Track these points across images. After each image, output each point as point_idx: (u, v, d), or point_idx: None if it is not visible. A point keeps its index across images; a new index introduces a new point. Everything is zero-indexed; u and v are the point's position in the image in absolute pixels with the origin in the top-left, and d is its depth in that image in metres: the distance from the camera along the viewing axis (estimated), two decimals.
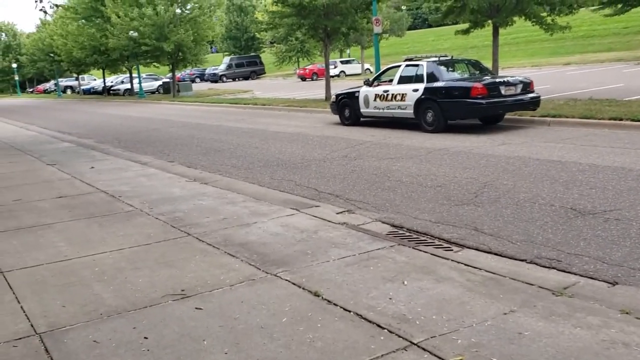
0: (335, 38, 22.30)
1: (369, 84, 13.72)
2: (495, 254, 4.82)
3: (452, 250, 4.97)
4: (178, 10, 33.52)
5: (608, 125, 11.01)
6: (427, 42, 63.28)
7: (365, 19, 20.77)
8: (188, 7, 34.20)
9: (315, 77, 50.46)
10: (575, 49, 44.33)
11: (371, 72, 49.79)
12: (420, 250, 4.78)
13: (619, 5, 31.40)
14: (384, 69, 13.93)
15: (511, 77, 12.10)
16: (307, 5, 19.09)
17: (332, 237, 5.25)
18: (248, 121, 17.68)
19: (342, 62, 50.28)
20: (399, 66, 13.15)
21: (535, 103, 11.86)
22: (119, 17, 31.49)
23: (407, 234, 5.53)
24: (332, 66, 50.32)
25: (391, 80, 13.24)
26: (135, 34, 31.80)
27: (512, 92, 11.57)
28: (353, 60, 52.44)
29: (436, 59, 12.73)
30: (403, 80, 12.74)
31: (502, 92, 11.40)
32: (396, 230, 5.69)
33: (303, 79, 50.34)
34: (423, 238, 5.35)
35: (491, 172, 7.81)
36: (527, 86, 11.85)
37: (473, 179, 7.52)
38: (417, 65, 12.57)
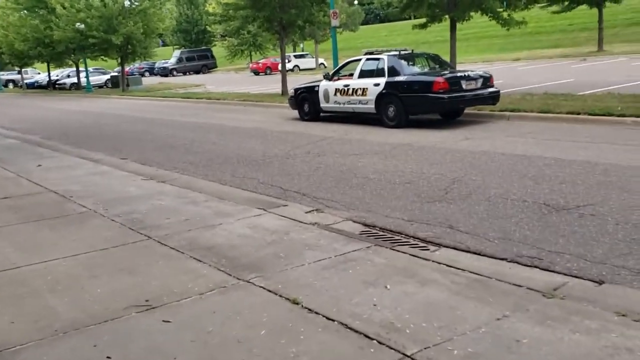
0: (291, 31, 21.98)
1: (328, 78, 13.47)
2: (474, 253, 4.65)
3: (429, 249, 4.78)
4: (127, 2, 32.41)
5: (566, 119, 11.12)
6: (380, 37, 63.53)
7: (322, 12, 20.53)
8: None
9: (268, 71, 50.00)
10: (523, 45, 45.35)
11: (325, 67, 49.69)
12: (399, 251, 4.57)
13: (566, 3, 32.48)
14: (343, 62, 13.72)
15: (471, 71, 12.09)
16: None
17: (304, 239, 4.98)
18: (203, 116, 17.17)
19: (295, 56, 49.90)
20: (360, 60, 12.96)
21: (495, 98, 11.88)
22: (64, 8, 30.17)
23: (381, 233, 5.32)
24: (286, 60, 49.95)
25: (351, 75, 13.04)
26: (82, 26, 30.55)
27: (473, 87, 11.55)
28: (307, 54, 52.17)
29: (397, 52, 12.59)
30: (364, 74, 12.55)
31: (463, 86, 11.35)
32: (369, 229, 5.47)
33: (256, 73, 49.76)
34: (398, 237, 5.14)
35: (458, 168, 7.69)
36: (487, 81, 11.86)
37: (441, 174, 7.38)
38: (378, 59, 12.40)
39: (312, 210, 6.24)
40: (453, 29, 15.80)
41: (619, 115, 10.57)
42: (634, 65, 24.30)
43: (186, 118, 16.85)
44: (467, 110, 12.50)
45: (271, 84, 32.48)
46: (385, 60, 12.13)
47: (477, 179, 7.00)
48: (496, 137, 9.92)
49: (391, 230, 5.38)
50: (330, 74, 13.62)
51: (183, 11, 70.24)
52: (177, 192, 7.16)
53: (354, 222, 5.74)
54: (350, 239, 4.95)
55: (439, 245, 4.89)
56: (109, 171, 8.93)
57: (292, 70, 46.56)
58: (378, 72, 12.19)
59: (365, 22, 69.18)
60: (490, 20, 15.56)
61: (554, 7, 31.59)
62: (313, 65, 49.19)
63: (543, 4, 19.34)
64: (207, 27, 65.35)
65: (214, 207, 6.29)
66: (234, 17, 21.46)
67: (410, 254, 4.48)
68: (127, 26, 30.49)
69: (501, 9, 15.09)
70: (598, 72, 22.55)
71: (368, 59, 12.72)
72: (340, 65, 13.70)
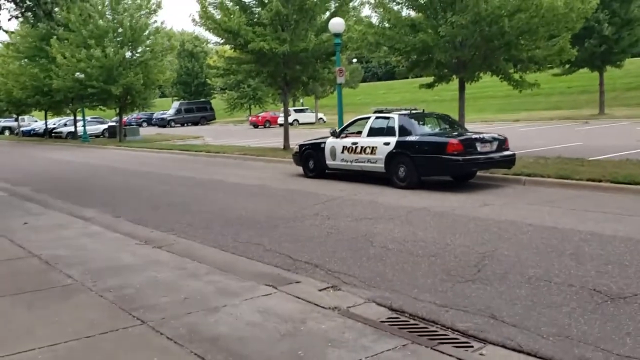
0: (294, 87, 21.71)
1: (335, 135, 12.96)
2: (529, 354, 3.93)
3: (472, 346, 4.05)
4: (128, 53, 32.33)
5: (587, 186, 10.54)
6: (377, 95, 64.17)
7: (327, 69, 20.30)
8: (139, 50, 33.07)
9: (268, 125, 50.04)
10: (521, 106, 45.52)
11: (324, 122, 49.75)
12: (443, 353, 3.82)
13: (567, 66, 32.66)
14: (351, 120, 13.23)
15: (486, 133, 11.60)
16: (267, 52, 18.44)
17: (325, 331, 4.23)
18: (202, 170, 16.56)
19: (295, 110, 49.93)
20: (369, 118, 12.48)
21: (510, 161, 11.33)
22: (64, 57, 29.97)
23: (412, 322, 4.59)
24: None
25: (360, 132, 12.54)
26: (82, 76, 30.32)
27: (488, 149, 11.01)
28: (307, 109, 52.31)
29: (407, 111, 12.14)
30: (373, 132, 12.05)
31: (478, 149, 10.82)
32: (397, 316, 4.74)
33: (255, 126, 49.76)
34: (433, 329, 4.41)
35: (485, 239, 7.01)
36: (503, 143, 11.33)
37: (468, 247, 6.69)
38: (388, 118, 11.93)
39: (328, 288, 5.52)
40: (462, 89, 15.44)
41: None
42: None
43: (184, 172, 16.22)
44: (479, 173, 11.93)
45: (271, 138, 32.15)
46: (395, 119, 11.64)
47: (509, 254, 6.30)
48: (518, 204, 9.28)
49: (423, 319, 4.65)
50: (338, 130, 13.12)
51: (184, 64, 71.04)
52: (175, 261, 6.41)
53: (378, 304, 5.01)
54: (380, 332, 4.20)
55: (484, 341, 4.16)
56: (100, 232, 8.19)
57: (291, 124, 46.36)
58: (388, 131, 11.69)
59: (363, 80, 69.98)
60: (501, 81, 15.25)
61: (555, 70, 31.66)
62: (313, 120, 49.19)
63: (551, 66, 19.17)
64: (207, 79, 65.98)
65: (216, 282, 5.55)
66: (237, 71, 21.22)
67: (458, 358, 3.73)
68: (128, 77, 30.26)
69: (512, 70, 14.76)
70: (604, 136, 22.25)
71: (377, 117, 12.24)
72: (348, 122, 13.22)
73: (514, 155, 11.43)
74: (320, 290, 5.44)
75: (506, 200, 9.74)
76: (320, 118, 50.29)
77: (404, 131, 11.38)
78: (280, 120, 49.63)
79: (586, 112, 37.52)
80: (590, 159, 13.93)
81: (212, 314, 4.62)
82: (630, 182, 10.21)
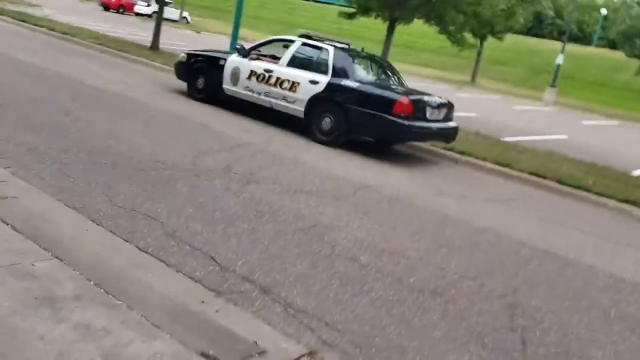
0: None
1: (244, 53, 9.96)
2: None
3: None
4: None
5: (529, 181, 9.06)
6: (249, 6, 59.35)
7: None
8: None
9: (122, 10, 43.86)
10: (392, 57, 44.69)
11: (188, 22, 44.68)
12: None
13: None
14: (267, 39, 10.30)
15: (434, 95, 9.51)
16: None
17: None
18: (46, 56, 12.51)
19: (157, 1, 44.12)
20: (292, 41, 9.68)
21: (453, 135, 9.45)
22: None
23: None
24: (145, 3, 44.16)
25: (277, 58, 9.74)
26: None
27: (436, 117, 8.98)
28: (170, 2, 46.46)
29: (345, 45, 9.60)
30: (296, 63, 9.33)
31: (427, 115, 8.72)
32: None
33: (106, 8, 43.42)
34: None
35: (487, 264, 4.96)
36: (450, 112, 9.38)
37: (473, 279, 4.58)
38: (320, 49, 9.27)
39: (304, 356, 3.10)
40: (391, 32, 13.13)
41: (596, 193, 8.75)
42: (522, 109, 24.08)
43: (22, 54, 12.02)
44: None
45: (126, 28, 27.54)
46: (331, 53, 9.05)
47: (539, 305, 4.32)
48: (477, 200, 7.43)
49: None
50: (248, 48, 10.10)
51: None
52: (13, 246, 3.44)
53: None
54: None
55: None
56: None
57: (149, 16, 40.84)
58: (318, 66, 9.09)
59: None
60: (440, 34, 13.22)
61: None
62: (176, 17, 43.82)
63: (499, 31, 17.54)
64: None
65: (98, 332, 2.79)
66: None
67: None
68: None
69: (452, 26, 12.74)
70: (492, 110, 21.64)
71: (304, 44, 9.52)
72: (263, 40, 10.26)
73: (457, 127, 9.56)
74: None
75: (459, 189, 7.84)
76: (185, 17, 45.08)
77: (339, 72, 8.85)
78: (138, 8, 43.66)
79: (456, 76, 37.73)
80: (503, 139, 12.71)
81: None
82: (578, 187, 8.90)
